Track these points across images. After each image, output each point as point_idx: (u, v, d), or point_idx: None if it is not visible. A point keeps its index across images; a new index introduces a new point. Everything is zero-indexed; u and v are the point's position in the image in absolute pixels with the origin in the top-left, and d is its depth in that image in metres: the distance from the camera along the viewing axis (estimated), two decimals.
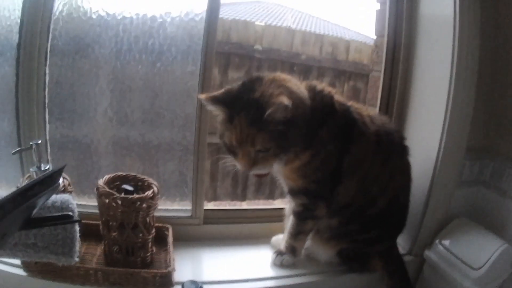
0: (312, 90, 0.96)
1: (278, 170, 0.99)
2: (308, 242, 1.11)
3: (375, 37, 1.39)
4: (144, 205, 0.92)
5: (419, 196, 1.19)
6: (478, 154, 1.25)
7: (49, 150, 1.06)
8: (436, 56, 1.18)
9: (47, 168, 0.88)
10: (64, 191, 0.89)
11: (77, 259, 0.68)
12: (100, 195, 0.91)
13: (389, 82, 1.32)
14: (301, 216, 1.04)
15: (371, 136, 1.00)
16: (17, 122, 1.00)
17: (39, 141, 0.88)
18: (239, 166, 0.91)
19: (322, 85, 0.99)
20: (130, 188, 0.97)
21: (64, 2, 1.00)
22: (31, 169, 0.88)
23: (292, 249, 1.09)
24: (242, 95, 0.88)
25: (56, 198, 0.65)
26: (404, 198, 1.10)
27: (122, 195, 0.92)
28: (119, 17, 1.03)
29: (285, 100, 0.82)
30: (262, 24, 1.37)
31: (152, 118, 1.12)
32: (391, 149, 1.04)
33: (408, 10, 1.26)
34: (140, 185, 1.01)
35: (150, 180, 1.01)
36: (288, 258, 1.09)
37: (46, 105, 1.03)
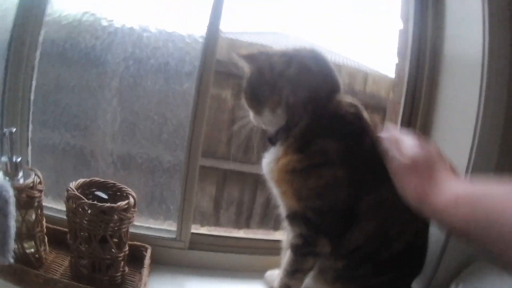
0: None
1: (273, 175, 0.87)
2: (308, 281, 0.93)
3: (396, 60, 1.29)
4: (115, 216, 0.81)
5: (438, 235, 1.00)
6: None
7: (30, 149, 1.02)
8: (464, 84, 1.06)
9: (19, 160, 0.83)
10: (33, 188, 0.81)
11: (11, 260, 0.58)
12: (68, 198, 0.82)
13: (410, 108, 1.19)
14: (299, 251, 0.87)
15: None
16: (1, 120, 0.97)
17: (13, 129, 0.83)
18: None
19: None
20: (104, 195, 0.87)
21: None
22: (2, 159, 0.83)
23: None
24: None
25: None
26: (422, 239, 0.92)
27: (93, 201, 0.82)
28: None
29: None
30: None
31: (139, 127, 1.05)
32: None
33: (433, 29, 1.16)
34: (119, 195, 0.91)
35: (129, 190, 0.90)
36: None
37: (31, 104, 1.00)
